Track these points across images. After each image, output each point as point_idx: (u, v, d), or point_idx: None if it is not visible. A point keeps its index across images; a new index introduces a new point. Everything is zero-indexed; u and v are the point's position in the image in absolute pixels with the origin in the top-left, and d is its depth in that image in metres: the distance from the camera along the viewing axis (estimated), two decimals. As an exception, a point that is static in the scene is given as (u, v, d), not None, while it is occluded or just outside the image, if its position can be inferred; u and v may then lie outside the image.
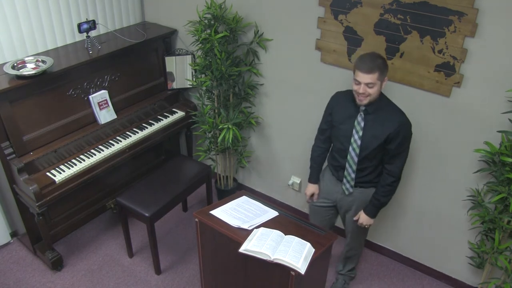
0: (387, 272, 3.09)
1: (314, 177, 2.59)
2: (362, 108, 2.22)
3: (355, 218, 2.48)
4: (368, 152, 2.27)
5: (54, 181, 2.71)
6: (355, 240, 2.68)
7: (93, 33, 3.16)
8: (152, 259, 2.96)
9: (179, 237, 3.33)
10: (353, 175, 2.36)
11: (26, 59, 2.75)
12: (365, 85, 2.11)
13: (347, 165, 2.35)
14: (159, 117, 3.42)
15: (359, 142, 2.26)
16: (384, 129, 2.20)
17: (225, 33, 2.89)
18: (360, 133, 2.25)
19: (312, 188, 2.59)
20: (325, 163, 2.60)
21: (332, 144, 2.48)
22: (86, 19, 3.13)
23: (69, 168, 2.81)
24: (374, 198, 2.38)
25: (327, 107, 2.44)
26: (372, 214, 2.41)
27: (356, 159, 2.31)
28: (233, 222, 2.12)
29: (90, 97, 3.00)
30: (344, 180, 2.40)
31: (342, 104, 2.34)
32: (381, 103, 2.22)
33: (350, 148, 2.30)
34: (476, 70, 2.34)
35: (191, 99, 3.63)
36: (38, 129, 2.77)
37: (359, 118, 2.24)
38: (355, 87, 2.17)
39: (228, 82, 3.08)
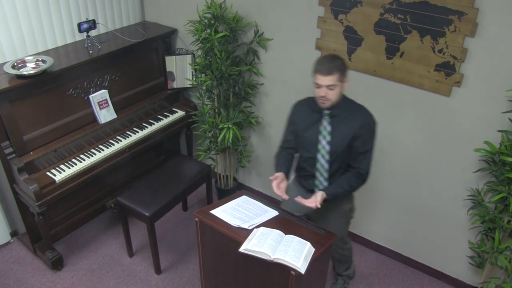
0: (387, 272, 3.09)
1: (281, 168, 2.30)
2: (327, 112, 2.17)
3: (309, 203, 2.14)
4: (338, 154, 2.21)
5: (54, 181, 2.71)
6: (337, 243, 2.62)
7: (93, 33, 3.15)
8: (152, 258, 2.96)
9: (179, 237, 3.33)
10: (325, 183, 2.29)
11: (26, 58, 2.75)
12: (326, 87, 2.07)
13: (317, 174, 2.28)
14: (159, 116, 3.42)
15: (327, 147, 2.20)
16: (350, 128, 2.16)
17: (225, 33, 2.89)
18: (328, 138, 2.19)
19: (279, 174, 2.25)
20: (290, 179, 2.43)
21: (298, 155, 2.38)
22: (86, 18, 3.12)
23: (69, 168, 2.81)
24: (341, 183, 2.20)
25: (289, 117, 2.35)
26: (331, 195, 2.16)
27: (326, 166, 2.24)
28: (233, 221, 2.11)
29: (90, 96, 3.00)
30: (316, 190, 2.27)
31: (304, 112, 2.27)
32: (344, 104, 2.18)
33: (319, 156, 2.23)
34: (476, 70, 2.33)
35: (191, 98, 3.63)
36: (38, 129, 2.77)
37: (325, 123, 2.19)
38: (316, 91, 2.12)
39: (228, 82, 3.08)
